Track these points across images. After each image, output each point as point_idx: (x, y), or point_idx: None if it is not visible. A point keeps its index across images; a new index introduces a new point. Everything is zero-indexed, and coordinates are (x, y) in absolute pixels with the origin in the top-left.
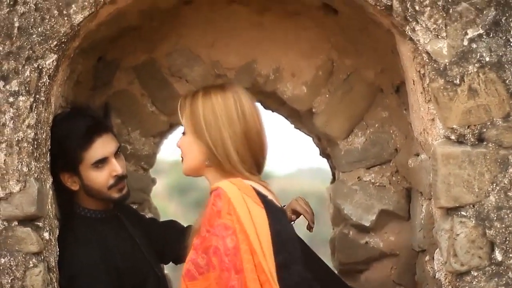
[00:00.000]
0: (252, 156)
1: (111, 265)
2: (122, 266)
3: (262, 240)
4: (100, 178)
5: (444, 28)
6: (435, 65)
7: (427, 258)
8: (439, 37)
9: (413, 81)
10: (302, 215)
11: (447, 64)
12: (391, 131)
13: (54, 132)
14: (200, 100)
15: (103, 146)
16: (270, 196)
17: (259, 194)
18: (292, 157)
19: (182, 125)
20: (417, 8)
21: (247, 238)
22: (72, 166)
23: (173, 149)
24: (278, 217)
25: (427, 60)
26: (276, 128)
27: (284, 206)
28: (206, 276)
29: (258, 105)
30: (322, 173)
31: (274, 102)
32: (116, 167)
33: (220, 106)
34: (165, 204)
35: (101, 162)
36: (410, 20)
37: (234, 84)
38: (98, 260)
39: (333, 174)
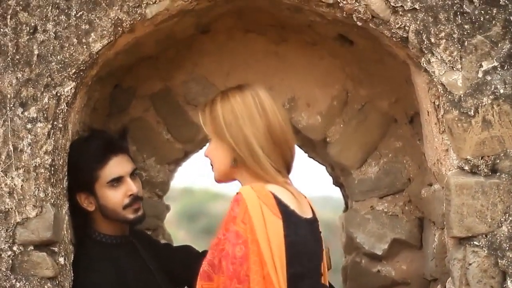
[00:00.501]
0: (278, 152)
1: None
2: None
3: (274, 252)
4: (115, 197)
5: (459, 60)
6: (449, 97)
7: (439, 287)
8: (454, 69)
9: (428, 112)
10: None
11: (462, 95)
12: (405, 161)
13: (71, 153)
14: (218, 103)
15: (118, 165)
16: (293, 206)
17: (279, 203)
18: (302, 185)
19: (199, 149)
20: (432, 40)
21: (258, 248)
22: (88, 185)
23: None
24: (296, 229)
25: (442, 92)
26: None
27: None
28: (218, 277)
29: None
30: (331, 201)
31: None
32: (132, 186)
33: (239, 105)
34: (174, 231)
35: (117, 181)
36: (426, 52)
37: (251, 84)
38: (111, 284)
39: (346, 203)
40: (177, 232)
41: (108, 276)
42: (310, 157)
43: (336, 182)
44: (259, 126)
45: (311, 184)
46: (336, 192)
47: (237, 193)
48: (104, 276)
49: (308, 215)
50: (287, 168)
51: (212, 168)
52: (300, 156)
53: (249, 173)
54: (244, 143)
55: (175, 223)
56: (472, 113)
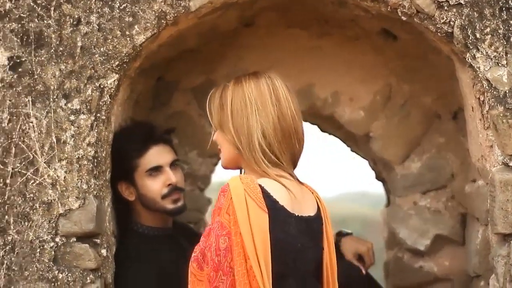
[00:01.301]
0: (286, 143)
1: (165, 284)
2: (176, 285)
3: (258, 246)
4: (154, 186)
5: (504, 56)
6: (494, 92)
7: (482, 283)
8: (499, 64)
9: (472, 108)
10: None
11: (507, 91)
12: (448, 157)
13: (113, 142)
14: (230, 89)
15: (158, 154)
16: (285, 202)
17: (268, 198)
18: (335, 181)
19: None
20: (477, 35)
21: (242, 242)
22: (128, 174)
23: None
24: (284, 226)
25: (486, 87)
26: (319, 153)
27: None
28: (206, 268)
29: (313, 127)
30: (369, 197)
31: (331, 125)
32: (170, 176)
33: (252, 92)
34: None
35: (155, 170)
36: (471, 47)
37: (267, 71)
38: (151, 278)
39: (388, 198)
40: None
41: (149, 268)
42: (353, 151)
43: (378, 177)
44: (270, 115)
45: (348, 180)
46: (373, 188)
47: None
48: (145, 268)
49: (308, 212)
50: (293, 160)
51: (220, 153)
52: (338, 153)
53: (246, 163)
54: (245, 134)
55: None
56: None
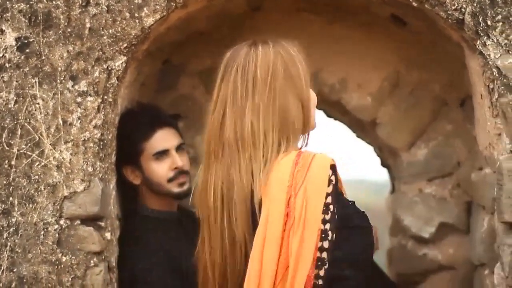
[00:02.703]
0: None
1: (172, 267)
2: (184, 269)
3: None
4: (160, 170)
5: None
6: (504, 80)
7: (486, 272)
8: (510, 52)
9: (481, 95)
10: None
11: None
12: (455, 145)
13: (119, 126)
14: None
15: (164, 138)
16: None
17: None
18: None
19: None
20: (489, 23)
21: None
22: (134, 158)
23: None
24: None
25: (496, 75)
26: (319, 140)
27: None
28: None
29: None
30: (366, 184)
31: (338, 111)
32: (177, 159)
33: None
34: None
35: (161, 154)
36: (482, 34)
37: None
38: (156, 260)
39: (393, 185)
40: None
41: (154, 250)
42: (359, 137)
43: (384, 164)
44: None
45: (345, 167)
46: (370, 175)
47: None
48: (151, 251)
49: None
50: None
51: None
52: (331, 140)
53: None
54: None
55: None
56: None
